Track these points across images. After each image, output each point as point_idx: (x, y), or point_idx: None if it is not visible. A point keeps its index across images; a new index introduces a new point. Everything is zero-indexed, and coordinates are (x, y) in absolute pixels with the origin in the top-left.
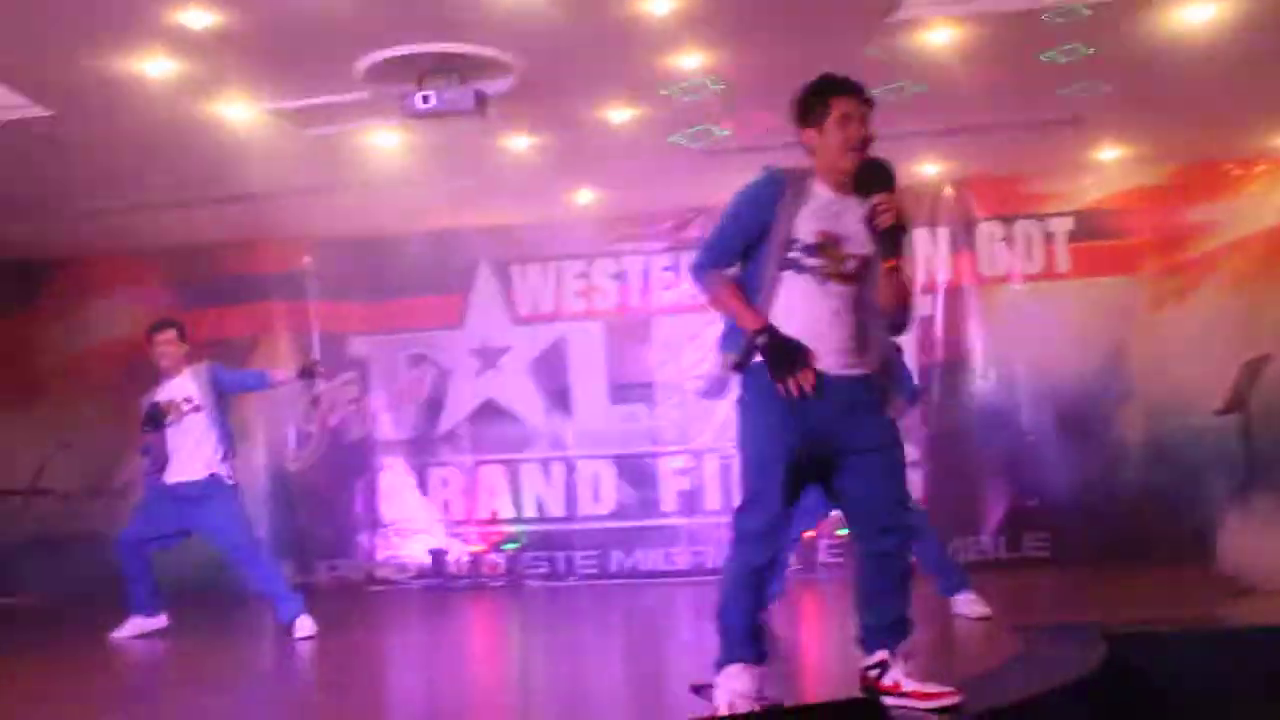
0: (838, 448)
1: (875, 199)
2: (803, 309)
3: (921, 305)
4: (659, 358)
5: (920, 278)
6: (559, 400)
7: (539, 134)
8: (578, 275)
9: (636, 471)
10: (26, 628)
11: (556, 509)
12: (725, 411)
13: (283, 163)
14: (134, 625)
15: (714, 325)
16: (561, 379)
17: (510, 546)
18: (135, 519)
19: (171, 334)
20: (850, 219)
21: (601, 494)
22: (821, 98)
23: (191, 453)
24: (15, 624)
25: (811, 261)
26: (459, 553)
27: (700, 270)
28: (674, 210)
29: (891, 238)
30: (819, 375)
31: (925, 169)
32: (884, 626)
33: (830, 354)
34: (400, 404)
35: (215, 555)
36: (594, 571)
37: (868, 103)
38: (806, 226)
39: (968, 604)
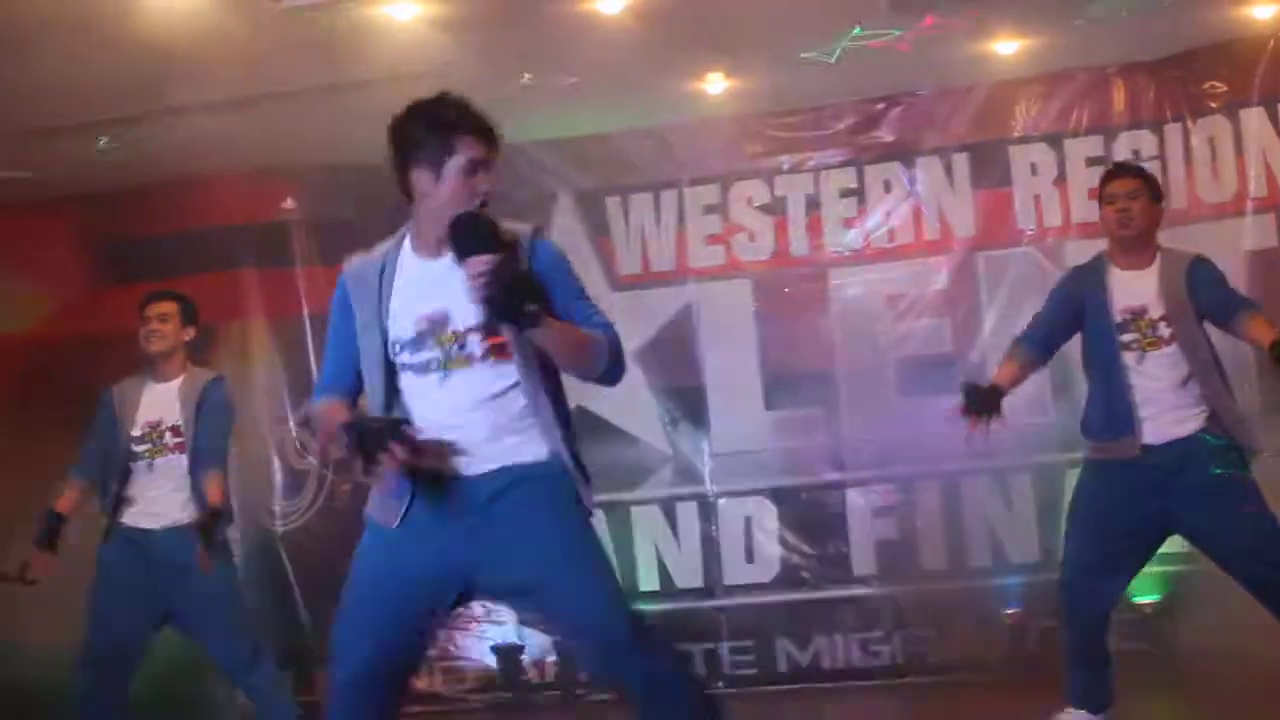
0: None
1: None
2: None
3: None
4: (841, 333)
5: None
6: (687, 406)
7: None
8: (708, 208)
9: (811, 514)
10: None
11: (688, 577)
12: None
13: (250, 55)
14: None
15: (925, 276)
16: (690, 373)
17: None
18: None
19: (169, 307)
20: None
21: (758, 551)
22: (441, 134)
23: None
24: None
25: (422, 357)
26: (541, 651)
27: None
28: (855, 102)
29: (494, 308)
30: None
31: (1256, 10)
32: None
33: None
34: None
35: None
36: (751, 673)
37: (496, 148)
38: (401, 319)
39: None
